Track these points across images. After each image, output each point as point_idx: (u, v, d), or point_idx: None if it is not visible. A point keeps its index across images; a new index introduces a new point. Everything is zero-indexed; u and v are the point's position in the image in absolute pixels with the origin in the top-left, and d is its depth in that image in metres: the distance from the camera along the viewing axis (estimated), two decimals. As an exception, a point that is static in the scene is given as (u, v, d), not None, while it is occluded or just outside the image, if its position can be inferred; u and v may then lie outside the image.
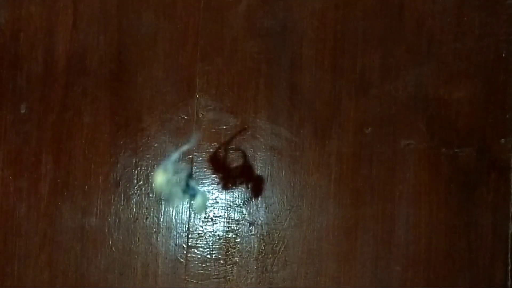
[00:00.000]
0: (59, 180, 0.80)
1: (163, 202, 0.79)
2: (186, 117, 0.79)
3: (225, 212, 0.78)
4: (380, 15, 0.78)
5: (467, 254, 0.76)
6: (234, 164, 0.78)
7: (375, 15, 0.78)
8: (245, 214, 0.78)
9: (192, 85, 0.79)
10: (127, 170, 0.79)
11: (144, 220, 0.79)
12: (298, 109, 0.78)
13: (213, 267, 0.78)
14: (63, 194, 0.80)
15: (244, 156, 0.77)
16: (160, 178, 0.55)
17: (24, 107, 0.81)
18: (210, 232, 0.78)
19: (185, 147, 0.59)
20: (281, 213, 0.77)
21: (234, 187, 0.77)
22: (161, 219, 0.79)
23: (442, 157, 0.76)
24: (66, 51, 0.81)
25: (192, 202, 0.57)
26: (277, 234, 0.77)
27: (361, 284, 0.76)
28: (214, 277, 0.78)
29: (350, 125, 0.77)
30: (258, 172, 0.78)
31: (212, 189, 0.79)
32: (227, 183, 0.77)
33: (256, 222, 0.78)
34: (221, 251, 0.78)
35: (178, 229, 0.79)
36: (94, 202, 0.79)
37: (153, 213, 0.79)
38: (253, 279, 0.77)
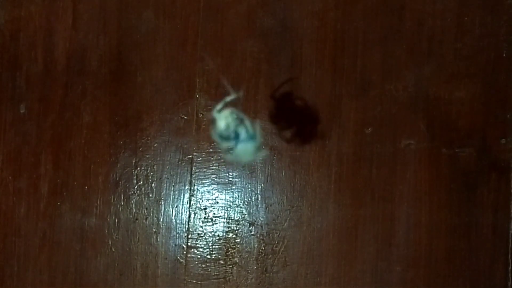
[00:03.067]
0: (58, 180, 0.80)
1: (162, 202, 0.79)
2: (186, 117, 0.79)
3: (225, 212, 0.78)
4: (381, 15, 0.78)
5: (468, 254, 0.75)
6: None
7: (375, 15, 0.78)
8: (245, 214, 0.78)
9: (192, 85, 0.79)
10: (126, 170, 0.79)
11: (144, 220, 0.79)
12: (298, 108, 0.78)
13: (213, 267, 0.78)
14: (62, 194, 0.80)
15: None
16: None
17: (24, 107, 0.81)
18: (210, 232, 0.78)
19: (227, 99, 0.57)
20: (281, 213, 0.77)
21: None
22: (161, 220, 0.79)
23: (442, 157, 0.76)
24: (65, 51, 0.81)
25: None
26: (277, 234, 0.77)
27: (362, 285, 0.76)
28: (214, 277, 0.78)
29: (351, 125, 0.77)
30: (258, 172, 0.78)
31: (212, 189, 0.79)
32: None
33: (256, 223, 0.78)
34: (221, 251, 0.78)
35: (177, 229, 0.79)
36: (94, 202, 0.79)
37: (153, 213, 0.79)
38: (253, 279, 0.77)
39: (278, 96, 0.77)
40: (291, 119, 0.77)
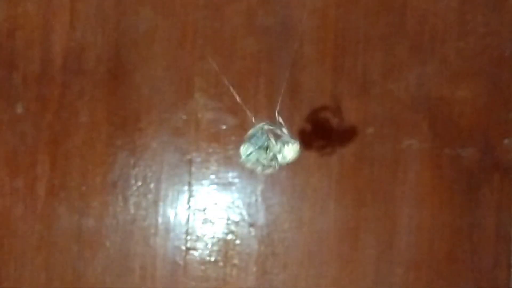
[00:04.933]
0: (55, 181, 0.80)
1: (161, 203, 0.79)
2: (185, 117, 0.79)
3: (224, 214, 0.78)
4: (382, 14, 0.78)
5: (470, 255, 0.76)
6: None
7: (377, 13, 0.78)
8: (244, 215, 0.78)
9: (191, 84, 0.79)
10: (124, 170, 0.79)
11: (142, 222, 0.79)
12: (298, 109, 0.77)
13: (212, 269, 0.78)
14: (60, 195, 0.79)
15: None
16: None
17: (20, 107, 0.81)
18: (209, 234, 0.78)
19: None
20: (281, 214, 0.77)
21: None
22: (159, 221, 0.78)
23: (444, 157, 0.76)
24: (63, 50, 0.81)
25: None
26: (277, 235, 0.77)
27: (363, 286, 0.76)
28: (213, 279, 0.77)
29: (351, 125, 0.77)
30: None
31: (211, 190, 0.78)
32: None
33: (256, 224, 0.77)
34: (220, 253, 0.78)
35: (176, 230, 0.78)
36: (91, 203, 0.79)
37: (151, 215, 0.79)
38: (252, 281, 0.77)
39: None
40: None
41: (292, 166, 0.77)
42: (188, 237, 0.78)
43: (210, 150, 0.78)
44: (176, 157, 0.79)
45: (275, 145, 0.57)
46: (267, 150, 0.57)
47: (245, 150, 0.57)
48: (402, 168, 0.76)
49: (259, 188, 0.77)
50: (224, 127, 0.78)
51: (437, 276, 0.76)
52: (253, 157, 0.57)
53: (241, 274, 0.77)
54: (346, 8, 0.78)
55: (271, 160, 0.57)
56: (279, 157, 0.57)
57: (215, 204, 0.78)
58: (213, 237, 0.78)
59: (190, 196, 0.79)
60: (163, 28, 0.80)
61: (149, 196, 0.79)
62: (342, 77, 0.78)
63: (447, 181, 0.76)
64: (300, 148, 0.57)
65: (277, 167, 0.57)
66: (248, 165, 0.58)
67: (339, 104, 0.77)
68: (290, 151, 0.57)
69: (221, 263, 0.78)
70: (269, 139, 0.57)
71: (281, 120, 0.59)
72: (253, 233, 0.77)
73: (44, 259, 0.79)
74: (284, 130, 0.58)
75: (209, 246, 0.78)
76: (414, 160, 0.76)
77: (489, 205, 0.76)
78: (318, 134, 0.78)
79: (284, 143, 0.56)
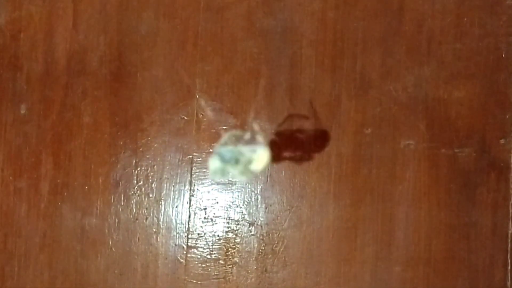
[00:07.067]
0: (59, 181, 0.80)
1: (163, 202, 0.79)
2: (186, 118, 0.79)
3: (224, 213, 0.78)
4: (380, 15, 0.78)
5: (467, 254, 0.75)
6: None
7: (375, 15, 0.78)
8: (244, 214, 0.78)
9: (192, 85, 0.79)
10: (127, 170, 0.79)
11: (144, 221, 0.79)
12: (298, 109, 0.78)
13: (213, 267, 0.78)
14: (63, 194, 0.80)
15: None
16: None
17: (24, 108, 0.81)
18: (210, 232, 0.78)
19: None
20: (281, 213, 0.77)
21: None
22: (161, 220, 0.79)
23: (442, 157, 0.76)
24: (66, 52, 0.81)
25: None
26: (277, 234, 0.77)
27: (361, 285, 0.76)
28: (214, 277, 0.78)
29: (350, 125, 0.77)
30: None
31: (212, 189, 0.79)
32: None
33: (255, 223, 0.78)
34: (220, 251, 0.78)
35: (178, 229, 0.79)
36: (94, 202, 0.79)
37: (153, 214, 0.79)
38: (253, 279, 0.77)
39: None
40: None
41: (291, 165, 0.78)
42: (189, 236, 0.78)
43: (211, 150, 0.78)
44: (177, 157, 0.79)
45: (244, 156, 0.55)
46: (237, 161, 0.55)
47: (212, 164, 0.55)
48: (400, 168, 0.76)
49: (259, 187, 0.78)
50: (224, 127, 0.78)
51: (434, 275, 0.75)
52: (219, 172, 0.55)
53: (241, 272, 0.77)
54: (345, 10, 0.78)
55: (242, 172, 0.55)
56: (251, 167, 0.55)
57: (216, 203, 0.78)
58: (213, 236, 0.78)
59: (191, 195, 0.79)
60: (165, 30, 0.80)
61: (151, 195, 0.79)
62: (341, 78, 0.78)
63: (444, 181, 0.76)
64: (269, 155, 0.55)
65: (249, 176, 0.55)
66: (216, 178, 0.56)
67: (337, 104, 0.78)
68: (259, 161, 0.54)
69: (221, 261, 0.78)
70: (239, 151, 0.55)
71: (256, 127, 0.57)
72: (253, 232, 0.78)
73: (47, 257, 0.80)
74: (259, 137, 0.55)
75: (210, 244, 0.78)
76: (411, 160, 0.76)
77: (486, 205, 0.75)
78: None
79: (253, 152, 0.55)
